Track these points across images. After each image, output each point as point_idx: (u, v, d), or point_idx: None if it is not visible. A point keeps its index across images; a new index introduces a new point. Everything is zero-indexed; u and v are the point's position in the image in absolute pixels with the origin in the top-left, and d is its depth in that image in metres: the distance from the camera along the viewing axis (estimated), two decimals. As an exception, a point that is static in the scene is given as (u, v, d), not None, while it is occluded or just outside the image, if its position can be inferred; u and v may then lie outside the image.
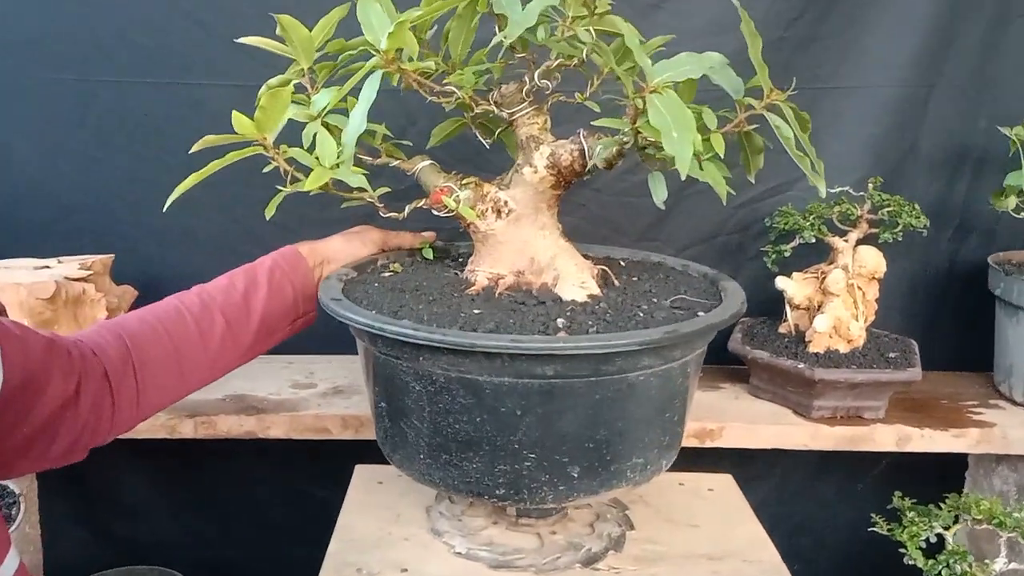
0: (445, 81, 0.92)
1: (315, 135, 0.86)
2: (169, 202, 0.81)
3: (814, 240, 1.25)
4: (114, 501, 1.50)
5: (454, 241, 1.14)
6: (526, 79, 0.93)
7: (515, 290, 0.91)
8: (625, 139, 0.81)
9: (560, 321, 0.79)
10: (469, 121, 1.02)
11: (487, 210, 0.93)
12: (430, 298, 0.88)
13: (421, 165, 0.96)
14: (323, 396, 1.23)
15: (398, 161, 0.96)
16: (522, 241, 0.93)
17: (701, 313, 0.85)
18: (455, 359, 0.77)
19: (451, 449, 0.82)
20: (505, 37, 0.80)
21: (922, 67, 1.34)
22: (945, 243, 1.43)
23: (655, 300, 0.88)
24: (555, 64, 0.88)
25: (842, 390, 1.20)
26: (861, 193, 1.27)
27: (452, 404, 0.80)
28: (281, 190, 0.85)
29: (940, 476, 1.32)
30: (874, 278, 1.27)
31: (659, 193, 0.82)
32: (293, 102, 0.90)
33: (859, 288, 1.26)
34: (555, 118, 0.96)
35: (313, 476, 1.41)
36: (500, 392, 0.77)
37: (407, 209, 0.92)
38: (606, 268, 0.93)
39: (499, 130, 1.01)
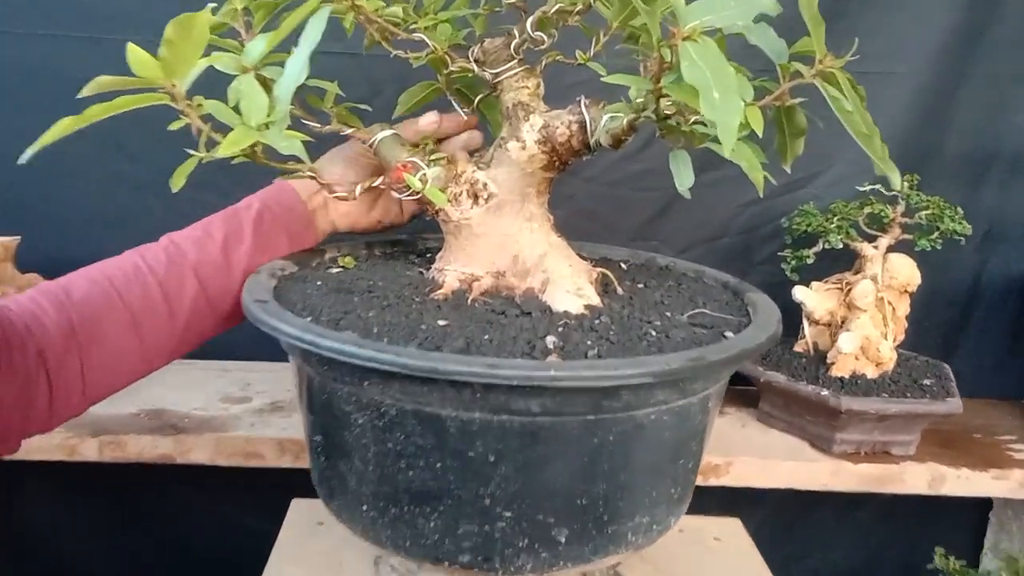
0: (413, 27, 0.72)
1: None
2: (29, 154, 0.60)
3: (841, 246, 1.08)
4: (32, 522, 1.28)
5: (422, 233, 0.95)
6: (515, 31, 0.74)
7: (493, 296, 0.72)
8: (642, 106, 0.62)
9: (550, 340, 0.61)
10: (443, 86, 0.83)
11: (461, 194, 0.74)
12: (384, 303, 0.69)
13: (381, 135, 0.76)
14: (258, 413, 1.03)
15: (352, 129, 0.77)
16: (504, 234, 0.74)
17: (729, 334, 0.66)
18: (411, 387, 0.58)
19: (403, 501, 0.63)
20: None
21: (953, 54, 1.17)
22: (971, 252, 1.25)
23: (669, 314, 0.70)
24: (554, 9, 0.69)
25: (870, 422, 1.03)
26: (894, 192, 1.10)
27: (406, 445, 0.61)
28: (193, 155, 0.65)
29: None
30: (906, 291, 1.10)
31: (684, 177, 0.63)
32: (221, 48, 0.70)
33: (889, 303, 1.09)
34: (547, 94, 0.77)
35: (247, 506, 1.21)
36: (469, 432, 0.59)
37: (358, 188, 0.73)
38: (607, 272, 0.75)
39: (480, 97, 0.82)
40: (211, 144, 0.64)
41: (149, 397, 1.04)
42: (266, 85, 0.68)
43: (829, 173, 1.21)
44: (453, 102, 0.83)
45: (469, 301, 0.70)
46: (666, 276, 0.84)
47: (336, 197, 0.72)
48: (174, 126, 0.65)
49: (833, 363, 1.05)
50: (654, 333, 0.64)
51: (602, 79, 0.60)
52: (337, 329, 0.62)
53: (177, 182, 0.66)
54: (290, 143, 0.62)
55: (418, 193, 0.72)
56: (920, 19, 1.16)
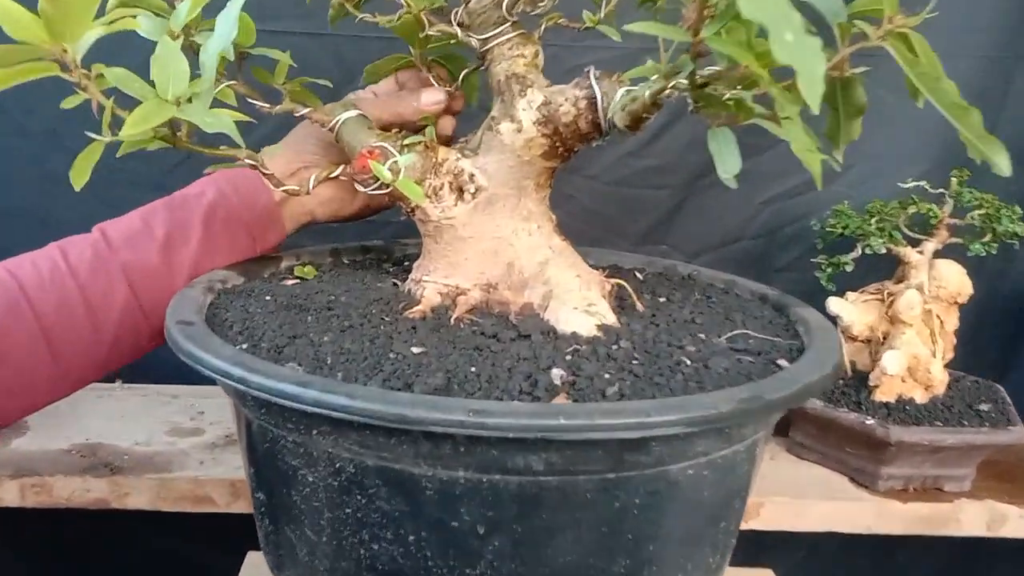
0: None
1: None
2: None
3: (884, 251, 0.94)
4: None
5: (401, 239, 0.81)
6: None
7: (483, 313, 0.58)
8: (674, 70, 0.48)
9: (556, 373, 0.46)
10: (417, 59, 0.69)
11: (442, 187, 0.60)
12: (345, 323, 0.54)
13: (344, 116, 0.62)
14: (210, 449, 0.88)
15: (308, 109, 0.62)
16: (495, 237, 0.60)
17: (783, 363, 0.52)
18: (373, 439, 0.44)
19: (366, 583, 0.48)
20: None
21: (1009, 33, 1.04)
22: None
23: (703, 336, 0.56)
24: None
25: (921, 455, 0.89)
26: (941, 190, 0.96)
27: (368, 511, 0.46)
28: (96, 140, 0.50)
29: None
30: (955, 302, 0.96)
31: (728, 161, 0.49)
32: (152, 13, 0.57)
33: (937, 316, 0.95)
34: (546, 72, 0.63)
35: (202, 547, 1.06)
36: (451, 496, 0.44)
37: (312, 181, 0.58)
38: (623, 283, 0.60)
39: (465, 72, 0.68)
40: (119, 125, 0.49)
41: (83, 429, 0.90)
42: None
43: (860, 167, 1.07)
44: (431, 78, 0.69)
45: (452, 321, 0.55)
46: (691, 288, 0.69)
47: (286, 191, 0.58)
48: (69, 103, 0.51)
49: (876, 386, 0.91)
50: (689, 362, 0.50)
51: (625, 27, 0.45)
52: (278, 360, 0.48)
53: (78, 177, 0.52)
54: (217, 119, 0.48)
55: (388, 186, 0.58)
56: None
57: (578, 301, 0.56)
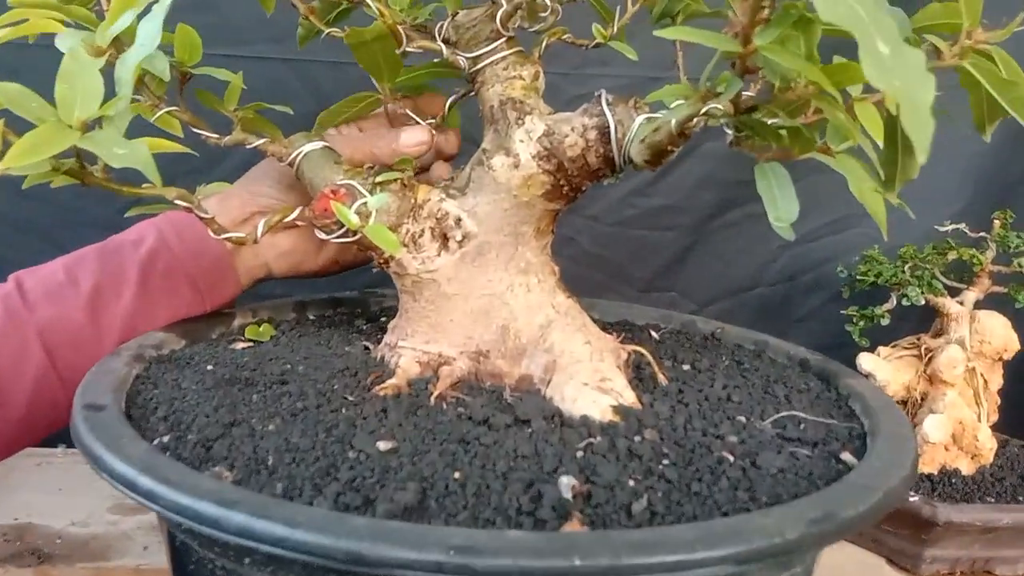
0: (351, -12, 0.49)
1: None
2: None
3: (923, 302, 0.84)
4: None
5: (378, 288, 0.71)
6: None
7: (471, 388, 0.47)
8: (711, 90, 0.38)
9: (565, 482, 0.35)
10: (386, 95, 0.57)
11: (422, 234, 0.49)
12: (298, 405, 0.43)
13: (306, 148, 0.51)
14: (156, 531, 0.76)
15: (263, 141, 0.52)
16: (486, 294, 0.49)
17: (847, 457, 0.41)
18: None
19: None
20: None
21: None
22: None
23: (743, 420, 0.45)
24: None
25: (971, 535, 0.78)
26: (982, 234, 0.87)
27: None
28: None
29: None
30: (1000, 359, 0.86)
31: (783, 205, 0.38)
32: (72, 22, 0.47)
33: (981, 375, 0.85)
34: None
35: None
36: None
37: (260, 227, 0.47)
38: (641, 350, 0.50)
39: (452, 98, 0.58)
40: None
41: (12, 505, 0.78)
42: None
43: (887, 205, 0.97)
44: (411, 115, 0.58)
45: (432, 400, 0.45)
46: (716, 351, 0.59)
47: (232, 241, 0.47)
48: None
49: (917, 455, 0.80)
50: (732, 459, 0.39)
51: (656, 33, 0.35)
52: (205, 460, 0.37)
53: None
54: (131, 150, 0.37)
55: (354, 233, 0.47)
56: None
57: (588, 375, 0.45)
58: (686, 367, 0.53)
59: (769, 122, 0.39)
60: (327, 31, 0.53)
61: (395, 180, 0.49)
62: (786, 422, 0.45)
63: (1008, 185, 0.96)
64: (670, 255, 1.00)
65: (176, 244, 0.57)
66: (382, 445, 0.38)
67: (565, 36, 0.52)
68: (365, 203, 0.47)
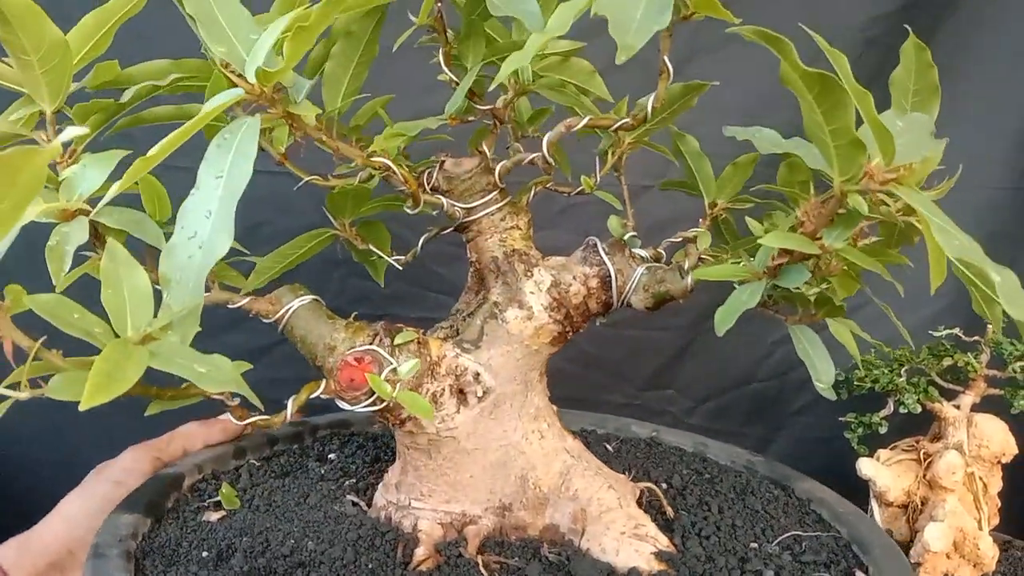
0: (359, 143, 0.47)
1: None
2: None
3: (919, 409, 0.83)
4: None
5: (308, 420, 0.66)
6: (484, 150, 0.51)
7: (501, 544, 0.47)
8: (760, 267, 0.42)
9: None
10: (343, 231, 0.55)
11: (442, 392, 0.48)
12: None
13: (295, 304, 0.48)
14: None
15: (246, 300, 0.48)
16: (503, 445, 0.49)
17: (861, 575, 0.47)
18: None
19: None
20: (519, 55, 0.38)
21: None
22: None
23: (755, 547, 0.49)
24: (581, 124, 0.47)
25: (980, 653, 0.82)
26: (976, 338, 0.85)
27: None
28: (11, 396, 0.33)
29: None
30: (998, 462, 0.84)
31: (822, 367, 0.43)
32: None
33: (980, 479, 0.82)
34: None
35: None
36: None
37: (290, 406, 0.44)
38: (653, 487, 0.53)
39: (425, 237, 0.57)
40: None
41: None
42: (100, 233, 0.40)
43: (873, 304, 0.98)
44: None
45: (471, 564, 0.44)
46: (673, 463, 0.63)
47: None
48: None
49: (919, 563, 0.78)
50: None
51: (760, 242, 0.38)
52: None
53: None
54: (214, 369, 0.33)
55: (384, 401, 0.45)
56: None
57: (624, 523, 0.47)
58: (687, 498, 0.56)
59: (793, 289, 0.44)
60: (306, 179, 0.50)
61: (412, 340, 0.47)
62: (789, 542, 0.50)
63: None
64: (668, 354, 0.99)
65: None
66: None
67: (549, 185, 0.54)
68: (393, 369, 0.45)
